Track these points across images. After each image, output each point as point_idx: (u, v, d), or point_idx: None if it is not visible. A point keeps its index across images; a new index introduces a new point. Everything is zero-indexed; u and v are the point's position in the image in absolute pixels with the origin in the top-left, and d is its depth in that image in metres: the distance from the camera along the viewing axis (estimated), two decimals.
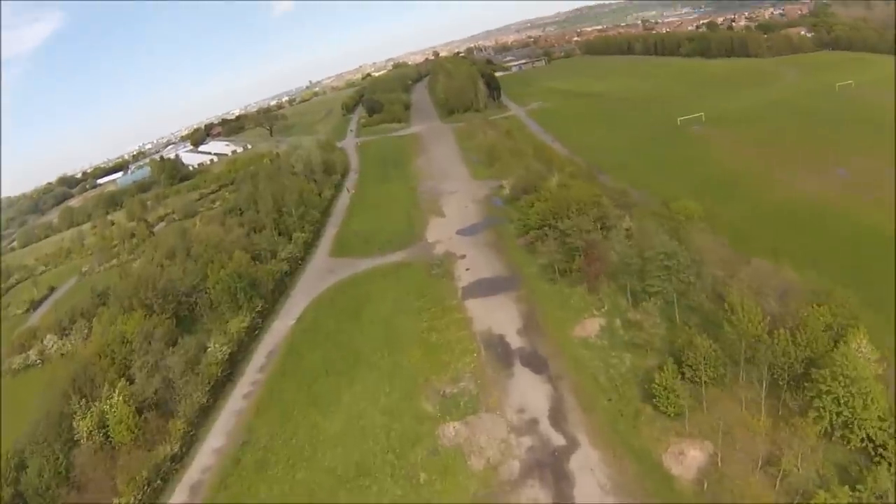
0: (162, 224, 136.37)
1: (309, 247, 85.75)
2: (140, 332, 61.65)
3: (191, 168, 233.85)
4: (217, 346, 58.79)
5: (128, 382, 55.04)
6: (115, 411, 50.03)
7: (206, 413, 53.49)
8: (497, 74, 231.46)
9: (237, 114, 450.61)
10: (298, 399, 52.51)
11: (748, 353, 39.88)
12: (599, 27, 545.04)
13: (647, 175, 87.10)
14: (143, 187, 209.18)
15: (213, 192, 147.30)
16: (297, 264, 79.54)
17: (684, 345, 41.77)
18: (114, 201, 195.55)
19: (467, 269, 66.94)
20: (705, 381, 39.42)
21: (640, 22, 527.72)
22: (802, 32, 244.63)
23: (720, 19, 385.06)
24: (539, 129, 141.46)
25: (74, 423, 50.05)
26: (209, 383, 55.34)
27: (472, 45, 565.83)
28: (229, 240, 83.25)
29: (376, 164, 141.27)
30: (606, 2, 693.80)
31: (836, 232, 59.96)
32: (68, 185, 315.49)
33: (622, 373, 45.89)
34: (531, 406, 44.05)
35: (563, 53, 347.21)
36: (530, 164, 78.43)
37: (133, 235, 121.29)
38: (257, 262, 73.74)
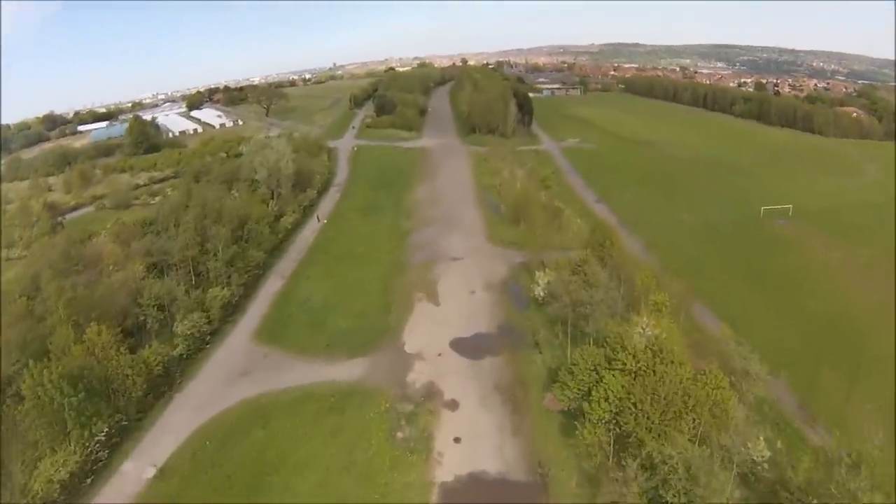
0: (89, 209, 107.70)
1: (230, 312, 57.47)
2: None
3: (170, 135, 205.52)
4: None
5: None
6: None
7: None
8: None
9: (257, 81, 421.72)
10: None
11: None
12: (636, 66, 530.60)
13: (744, 307, 59.07)
14: (107, 149, 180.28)
15: (161, 181, 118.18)
16: (201, 344, 51.54)
17: None
18: (65, 160, 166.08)
19: (457, 441, 39.29)
20: None
21: (677, 68, 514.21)
22: (854, 114, 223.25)
23: (763, 81, 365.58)
24: (578, 179, 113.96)
25: None
26: None
27: (503, 60, 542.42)
28: (115, 282, 55.31)
29: (368, 182, 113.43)
30: (640, 42, 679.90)
31: None
32: (51, 124, 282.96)
33: None
34: None
35: (599, 86, 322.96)
36: (588, 264, 49.78)
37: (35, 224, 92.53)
38: (132, 346, 45.43)
